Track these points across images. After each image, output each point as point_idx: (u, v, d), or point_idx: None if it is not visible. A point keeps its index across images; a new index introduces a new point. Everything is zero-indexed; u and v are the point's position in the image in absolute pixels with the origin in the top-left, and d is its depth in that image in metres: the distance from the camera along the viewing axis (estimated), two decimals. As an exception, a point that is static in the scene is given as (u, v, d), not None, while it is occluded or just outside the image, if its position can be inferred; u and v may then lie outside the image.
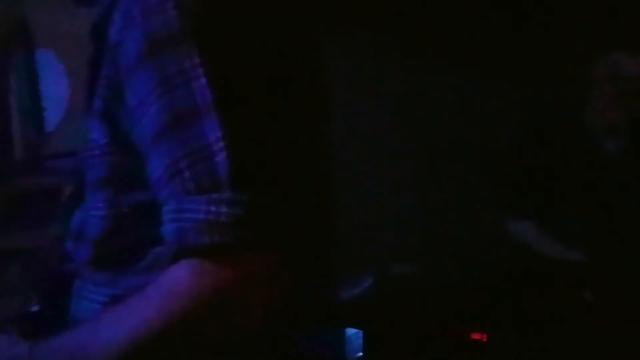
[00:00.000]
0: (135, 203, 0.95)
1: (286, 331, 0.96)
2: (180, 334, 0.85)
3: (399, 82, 2.77)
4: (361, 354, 2.24)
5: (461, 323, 2.22)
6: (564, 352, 2.14)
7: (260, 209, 0.84)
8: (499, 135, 2.70)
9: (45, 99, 2.97)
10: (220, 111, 0.84)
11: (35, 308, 1.07)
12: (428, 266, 2.57)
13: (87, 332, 0.90)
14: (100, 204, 0.97)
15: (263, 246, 0.84)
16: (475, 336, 2.18)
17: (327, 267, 1.04)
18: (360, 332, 2.22)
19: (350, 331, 2.20)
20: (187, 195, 0.85)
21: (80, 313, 1.01)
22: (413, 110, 2.75)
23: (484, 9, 2.70)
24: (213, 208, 0.83)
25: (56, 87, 2.93)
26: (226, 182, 0.83)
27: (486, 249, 2.56)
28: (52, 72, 2.92)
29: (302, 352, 1.02)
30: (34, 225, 3.03)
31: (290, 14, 0.98)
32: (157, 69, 0.86)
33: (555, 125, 2.52)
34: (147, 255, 0.95)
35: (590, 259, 2.36)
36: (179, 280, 0.84)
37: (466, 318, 2.24)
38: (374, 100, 2.72)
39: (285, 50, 0.94)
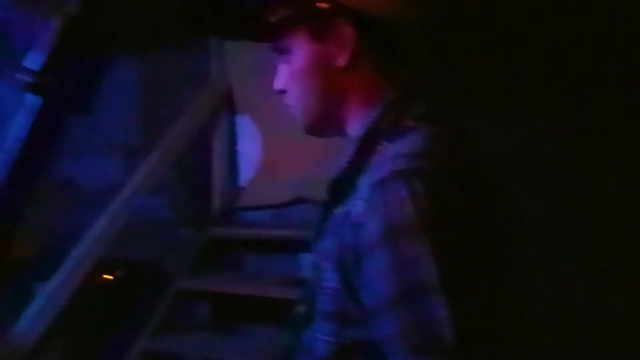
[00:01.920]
0: (356, 338, 1.18)
1: None
2: None
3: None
4: None
5: None
6: None
7: None
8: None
9: (240, 157, 3.34)
10: (446, 291, 1.05)
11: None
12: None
13: None
14: (327, 331, 1.21)
15: None
16: None
17: None
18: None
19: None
20: (416, 356, 1.06)
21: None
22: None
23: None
24: None
25: (250, 147, 3.30)
26: (450, 348, 1.04)
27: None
28: (248, 135, 3.30)
29: None
30: (225, 270, 3.39)
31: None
32: (393, 251, 1.07)
33: None
34: None
35: None
36: None
37: None
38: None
39: (493, 237, 1.14)
